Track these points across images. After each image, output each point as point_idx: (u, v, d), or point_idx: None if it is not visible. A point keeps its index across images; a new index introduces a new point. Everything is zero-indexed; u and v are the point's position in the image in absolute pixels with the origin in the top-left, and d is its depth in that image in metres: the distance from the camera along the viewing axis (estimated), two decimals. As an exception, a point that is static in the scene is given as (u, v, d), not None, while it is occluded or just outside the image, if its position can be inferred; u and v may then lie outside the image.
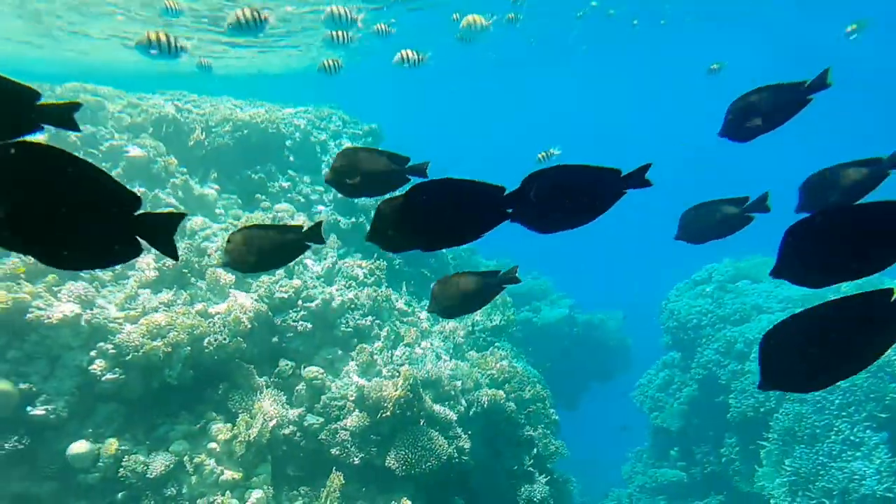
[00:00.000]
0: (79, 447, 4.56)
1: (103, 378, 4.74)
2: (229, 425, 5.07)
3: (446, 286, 2.56)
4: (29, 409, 4.49)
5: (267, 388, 5.48)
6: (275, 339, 5.94)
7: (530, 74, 25.50)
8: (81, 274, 5.38)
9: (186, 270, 5.87)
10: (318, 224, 2.44)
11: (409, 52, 6.23)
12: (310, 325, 6.03)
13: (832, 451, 6.65)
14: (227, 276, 5.91)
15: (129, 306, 5.34)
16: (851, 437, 6.60)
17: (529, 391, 6.89)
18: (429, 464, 5.33)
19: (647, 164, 1.86)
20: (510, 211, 1.86)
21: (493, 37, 14.38)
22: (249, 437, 4.95)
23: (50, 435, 4.59)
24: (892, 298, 1.52)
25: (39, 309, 4.69)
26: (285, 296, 6.04)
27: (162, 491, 4.68)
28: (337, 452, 5.34)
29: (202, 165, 7.95)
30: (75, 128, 1.52)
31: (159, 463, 4.70)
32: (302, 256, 6.61)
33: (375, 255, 7.36)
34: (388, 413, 5.36)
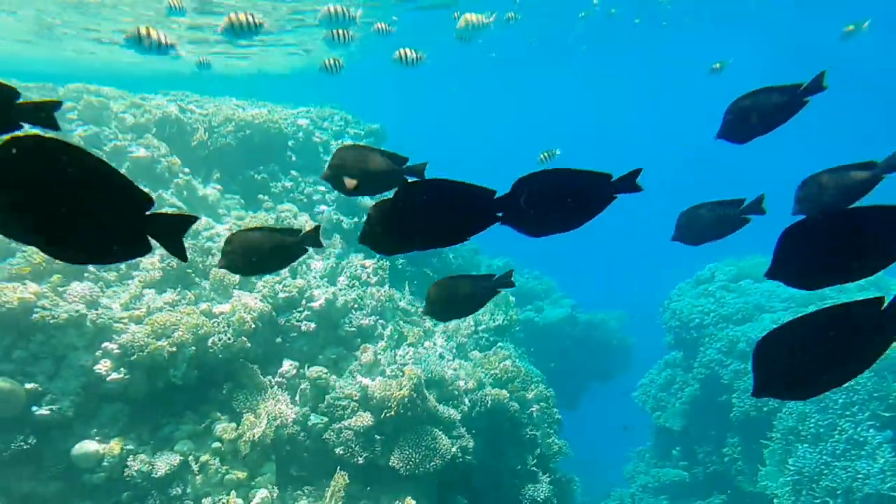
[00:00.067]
0: (84, 447, 4.57)
1: (108, 378, 4.75)
2: (234, 425, 5.07)
3: (441, 289, 2.56)
4: (34, 408, 4.50)
5: (271, 387, 5.48)
6: (278, 339, 5.94)
7: (531, 74, 25.53)
8: (86, 274, 5.39)
9: (190, 270, 5.87)
10: (316, 228, 2.45)
11: (407, 50, 6.24)
12: (313, 325, 6.04)
13: (836, 451, 6.66)
14: (232, 276, 5.92)
15: (133, 306, 5.34)
16: (855, 437, 6.61)
17: (532, 391, 6.90)
18: (432, 463, 5.34)
19: (637, 168, 1.86)
20: (500, 214, 1.86)
21: (494, 36, 14.43)
22: (254, 436, 4.95)
23: (55, 435, 4.60)
24: (883, 307, 1.54)
25: (45, 309, 4.70)
26: (289, 295, 6.05)
27: (167, 490, 4.68)
28: (341, 452, 5.35)
29: (205, 165, 7.95)
30: (55, 126, 1.52)
31: (164, 463, 4.70)
32: (304, 257, 6.63)
33: (378, 255, 7.37)
34: (392, 413, 5.37)
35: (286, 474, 5.28)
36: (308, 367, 5.78)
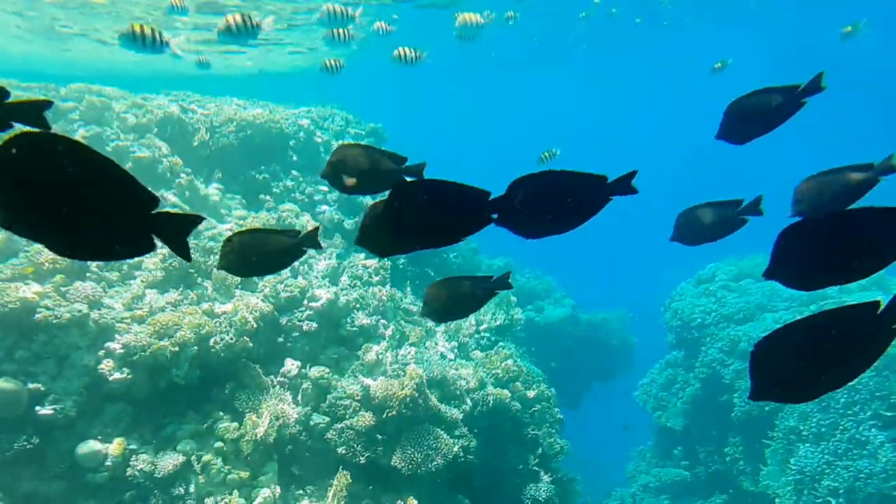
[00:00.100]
0: (87, 447, 4.57)
1: (111, 378, 4.75)
2: (236, 424, 5.08)
3: (438, 291, 2.57)
4: (37, 408, 4.50)
5: (273, 387, 5.48)
6: (280, 339, 5.95)
7: (531, 74, 25.54)
8: (88, 274, 5.39)
9: (192, 270, 5.88)
10: (315, 230, 2.46)
11: (406, 49, 6.25)
12: (315, 325, 6.04)
13: (838, 450, 6.66)
14: (233, 276, 5.92)
15: (136, 306, 5.35)
16: (857, 436, 6.61)
17: (534, 390, 6.90)
18: (434, 463, 5.34)
19: (632, 170, 1.87)
20: (496, 215, 1.87)
21: (494, 36, 14.42)
22: (256, 436, 4.96)
23: (58, 434, 4.60)
24: (878, 311, 1.55)
25: (47, 309, 4.70)
26: (291, 295, 6.05)
27: (170, 490, 4.69)
28: (343, 451, 5.35)
29: (206, 165, 7.96)
30: (46, 126, 1.51)
31: (167, 462, 4.71)
32: (306, 256, 6.64)
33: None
34: (394, 412, 5.37)
35: (288, 474, 5.28)
36: (310, 367, 5.78)
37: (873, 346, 1.59)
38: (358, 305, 6.43)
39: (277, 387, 5.54)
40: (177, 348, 4.94)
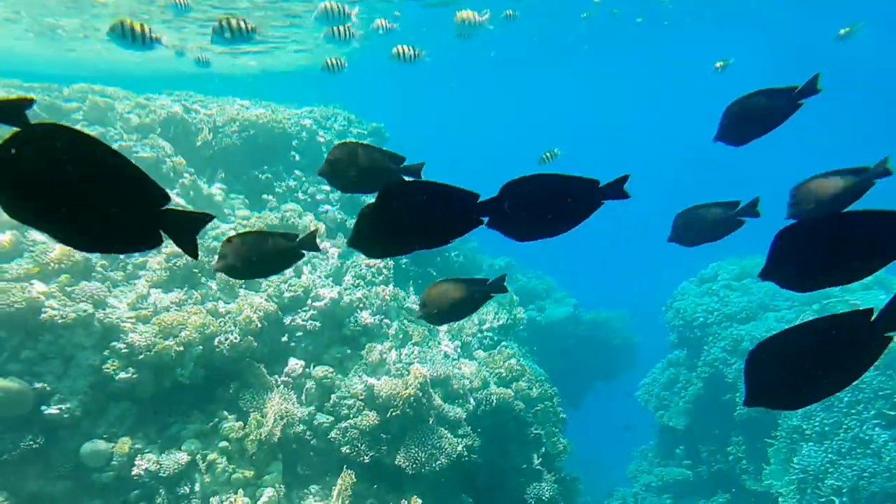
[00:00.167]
0: (92, 446, 4.58)
1: (116, 377, 4.76)
2: (240, 424, 5.08)
3: (435, 294, 2.58)
4: (43, 408, 4.51)
5: (277, 386, 5.49)
6: (284, 338, 5.95)
7: (531, 74, 25.54)
8: (93, 274, 5.39)
9: (197, 270, 5.88)
10: (314, 232, 2.48)
11: (404, 47, 6.25)
12: (318, 324, 6.05)
13: (841, 449, 6.67)
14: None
15: (140, 306, 5.35)
16: (861, 435, 6.61)
17: (537, 389, 6.91)
18: (438, 462, 5.35)
19: (624, 175, 1.87)
20: (487, 218, 1.87)
21: (494, 36, 14.42)
22: (260, 435, 4.97)
23: (64, 434, 4.61)
24: (871, 319, 1.57)
25: (53, 309, 4.70)
26: (294, 295, 6.06)
27: (175, 489, 4.69)
28: (347, 451, 5.35)
29: (210, 165, 7.96)
30: (27, 124, 1.51)
31: (172, 461, 4.71)
32: (309, 256, 6.64)
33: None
34: (398, 412, 5.38)
35: (293, 473, 5.29)
36: (314, 367, 5.79)
37: (867, 353, 1.60)
38: (361, 305, 6.43)
39: (281, 386, 5.54)
40: (181, 348, 4.95)
